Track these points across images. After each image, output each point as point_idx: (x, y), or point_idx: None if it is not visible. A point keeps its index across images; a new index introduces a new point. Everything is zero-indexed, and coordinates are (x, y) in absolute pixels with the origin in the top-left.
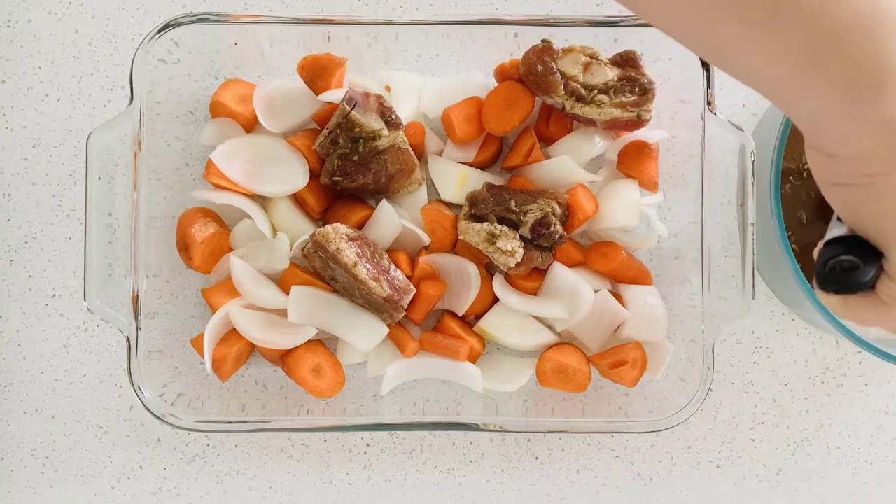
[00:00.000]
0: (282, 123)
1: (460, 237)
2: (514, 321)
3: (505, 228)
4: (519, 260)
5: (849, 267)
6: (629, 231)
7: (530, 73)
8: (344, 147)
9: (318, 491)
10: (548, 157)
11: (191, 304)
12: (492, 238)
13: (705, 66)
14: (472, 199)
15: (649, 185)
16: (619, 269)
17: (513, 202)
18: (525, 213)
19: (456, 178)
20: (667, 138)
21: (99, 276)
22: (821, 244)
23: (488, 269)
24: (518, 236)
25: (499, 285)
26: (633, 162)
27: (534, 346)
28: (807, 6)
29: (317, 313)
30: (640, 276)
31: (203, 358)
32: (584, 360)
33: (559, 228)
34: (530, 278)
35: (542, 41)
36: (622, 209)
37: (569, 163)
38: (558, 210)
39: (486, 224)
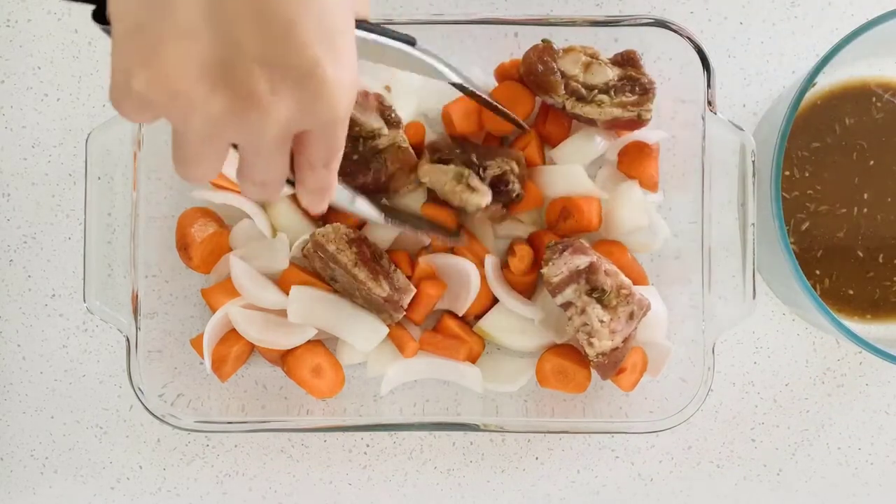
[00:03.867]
0: None
1: (422, 179)
2: (514, 322)
3: (471, 172)
4: (489, 201)
5: None
6: (639, 232)
7: (530, 73)
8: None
9: (318, 491)
10: (549, 159)
11: (190, 304)
12: (459, 177)
13: (706, 66)
14: (435, 146)
15: (649, 184)
16: (622, 270)
17: (474, 155)
18: (485, 168)
19: None
20: (667, 138)
21: (98, 276)
22: None
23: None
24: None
25: (498, 286)
26: (633, 162)
27: (534, 348)
28: None
29: (317, 313)
30: (640, 278)
31: (203, 358)
32: (583, 361)
33: (517, 187)
34: (530, 274)
35: (543, 41)
36: (630, 212)
37: (579, 172)
38: (517, 169)
39: (452, 165)
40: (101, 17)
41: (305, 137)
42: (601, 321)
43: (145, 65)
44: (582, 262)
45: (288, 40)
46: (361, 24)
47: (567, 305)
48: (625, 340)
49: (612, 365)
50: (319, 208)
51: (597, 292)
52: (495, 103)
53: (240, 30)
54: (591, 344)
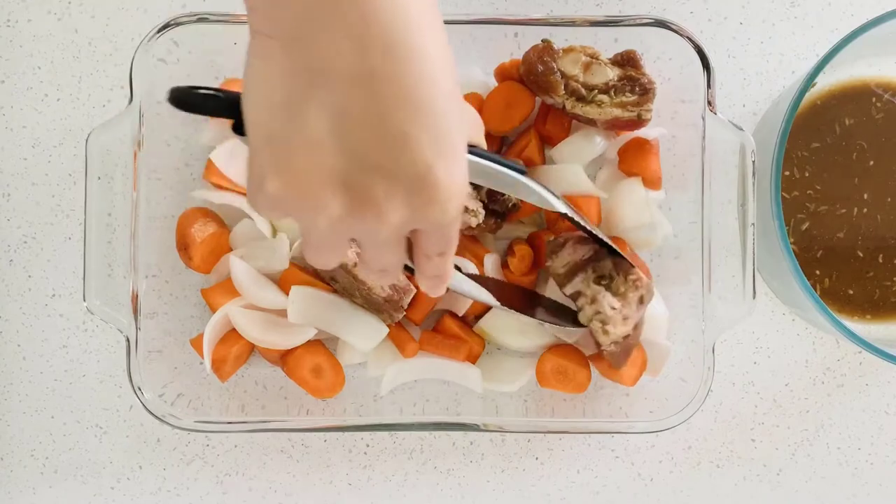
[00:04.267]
0: None
1: None
2: (514, 322)
3: (469, 187)
4: (481, 221)
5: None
6: (640, 229)
7: (530, 73)
8: None
9: (318, 491)
10: (549, 159)
11: (190, 304)
12: None
13: (705, 66)
14: None
15: (652, 180)
16: None
17: None
18: None
19: None
20: (667, 139)
21: (98, 277)
22: None
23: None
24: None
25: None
26: (635, 159)
27: (534, 348)
28: None
29: (317, 313)
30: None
31: (203, 358)
32: (583, 360)
33: (514, 196)
34: (530, 274)
35: (543, 41)
36: (631, 209)
37: (578, 172)
38: None
39: None
40: (239, 129)
41: (420, 233)
42: (613, 308)
43: (278, 171)
44: (585, 251)
45: (403, 150)
46: (476, 150)
47: (577, 295)
48: (635, 327)
49: (624, 353)
50: (437, 293)
51: (605, 279)
52: (601, 236)
53: (361, 141)
54: (606, 332)
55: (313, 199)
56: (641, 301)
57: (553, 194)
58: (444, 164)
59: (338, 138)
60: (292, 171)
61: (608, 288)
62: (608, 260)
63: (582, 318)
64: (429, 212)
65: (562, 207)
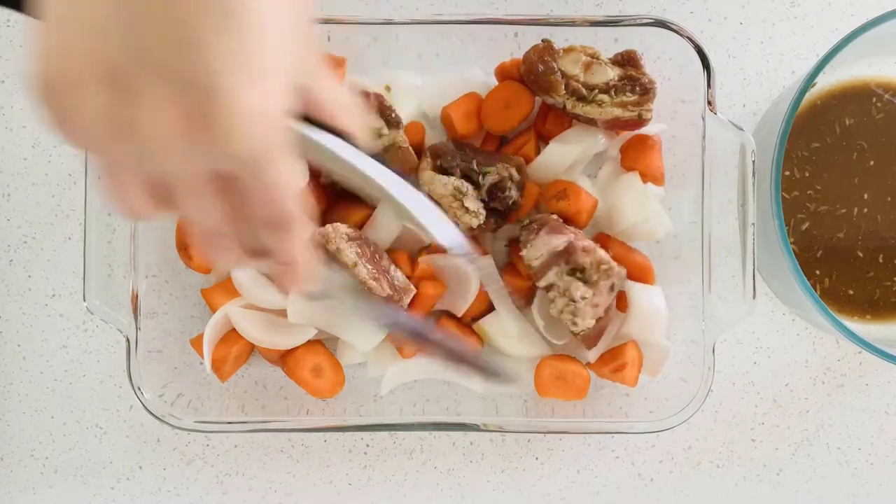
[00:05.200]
0: None
1: (423, 187)
2: (512, 327)
3: (470, 187)
4: (482, 222)
5: None
6: (641, 223)
7: (531, 73)
8: None
9: (318, 491)
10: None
11: (190, 304)
12: (458, 194)
13: (705, 66)
14: (437, 151)
15: (655, 176)
16: (627, 266)
17: (475, 162)
18: (484, 174)
19: None
20: (667, 139)
21: (98, 277)
22: None
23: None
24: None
25: (497, 297)
26: (637, 155)
27: (532, 355)
28: None
29: (317, 313)
30: (646, 275)
31: (203, 358)
32: (581, 363)
33: (513, 194)
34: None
35: (543, 41)
36: (631, 203)
37: (565, 151)
38: (516, 176)
39: (453, 178)
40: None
41: (236, 185)
42: (583, 297)
43: (49, 55)
44: (560, 241)
45: (188, 51)
46: (346, 139)
47: (550, 287)
48: (606, 310)
49: (597, 335)
50: (287, 289)
51: (578, 271)
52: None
53: (144, 35)
54: (575, 323)
55: (75, 87)
56: (612, 288)
57: (435, 218)
58: (236, 79)
59: (120, 28)
60: (60, 57)
61: (580, 279)
62: (580, 251)
63: (553, 309)
64: (209, 136)
65: (436, 238)
